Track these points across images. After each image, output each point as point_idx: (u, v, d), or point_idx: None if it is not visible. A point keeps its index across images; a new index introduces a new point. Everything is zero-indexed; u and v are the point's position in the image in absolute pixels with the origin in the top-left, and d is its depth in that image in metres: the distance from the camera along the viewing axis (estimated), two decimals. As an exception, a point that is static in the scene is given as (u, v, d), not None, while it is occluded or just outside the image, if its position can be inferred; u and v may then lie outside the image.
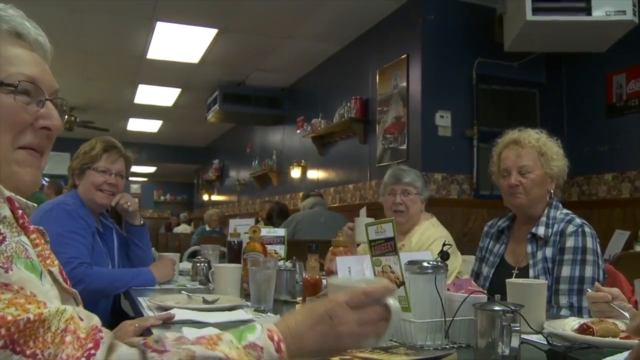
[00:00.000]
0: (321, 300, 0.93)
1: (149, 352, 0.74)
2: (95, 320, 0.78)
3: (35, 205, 0.96)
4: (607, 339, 1.30)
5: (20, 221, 0.87)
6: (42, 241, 0.92)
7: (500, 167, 2.18)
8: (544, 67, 5.20)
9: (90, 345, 0.72)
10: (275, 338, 0.85)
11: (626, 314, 1.45)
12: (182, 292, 2.03)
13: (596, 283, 1.61)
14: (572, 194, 4.94)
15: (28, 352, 0.68)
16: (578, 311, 1.90)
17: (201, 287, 2.38)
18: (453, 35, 4.91)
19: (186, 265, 2.98)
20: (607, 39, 4.24)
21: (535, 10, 4.03)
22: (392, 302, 0.91)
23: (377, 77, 5.50)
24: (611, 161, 4.63)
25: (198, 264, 2.59)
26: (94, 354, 0.71)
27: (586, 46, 4.43)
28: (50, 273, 0.87)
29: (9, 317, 0.68)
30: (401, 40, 5.15)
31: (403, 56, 5.06)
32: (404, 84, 5.03)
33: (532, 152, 2.09)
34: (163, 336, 0.78)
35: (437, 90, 4.85)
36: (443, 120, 4.83)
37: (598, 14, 3.95)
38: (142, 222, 2.65)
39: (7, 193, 0.87)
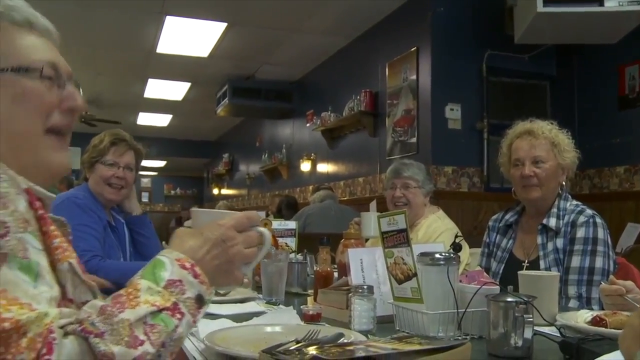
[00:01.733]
0: (208, 226, 0.94)
1: (91, 338, 0.73)
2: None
3: (54, 195, 0.96)
4: (620, 331, 1.29)
5: (40, 212, 0.87)
6: (61, 232, 0.92)
7: (511, 157, 2.16)
8: (555, 59, 5.16)
9: (44, 351, 0.70)
10: (188, 265, 0.86)
11: (640, 307, 1.44)
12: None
13: (611, 276, 1.60)
14: (584, 187, 4.91)
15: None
16: (587, 302, 1.89)
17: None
18: (463, 28, 4.88)
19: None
20: (620, 30, 4.19)
21: (546, 2, 3.99)
22: (263, 229, 0.99)
23: (387, 70, 5.48)
24: (623, 154, 4.59)
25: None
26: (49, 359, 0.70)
27: (598, 38, 4.38)
28: (70, 265, 0.88)
29: None
30: (411, 32, 5.13)
31: (413, 49, 5.04)
32: (414, 77, 5.01)
33: (546, 143, 2.08)
34: (87, 315, 0.76)
35: (447, 83, 4.83)
36: (453, 113, 4.81)
37: (610, 4, 3.91)
38: (141, 212, 2.59)
39: (25, 184, 0.86)
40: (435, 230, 2.79)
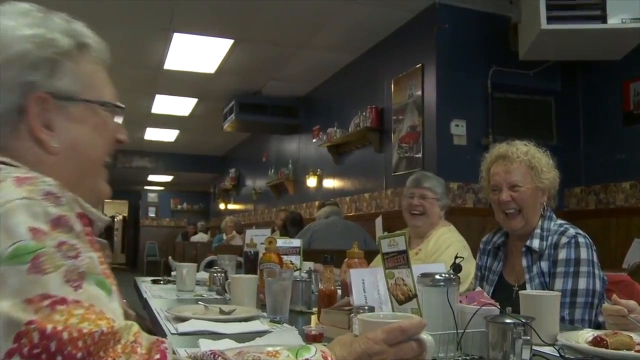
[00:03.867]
0: (359, 337, 0.95)
1: (219, 358, 0.79)
2: (153, 337, 0.80)
3: (109, 219, 1.00)
4: (621, 351, 1.30)
5: (89, 237, 0.87)
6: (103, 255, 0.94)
7: (490, 182, 2.15)
8: (560, 75, 5.18)
9: (157, 356, 0.74)
10: (329, 359, 0.89)
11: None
12: (199, 302, 2.06)
13: (614, 296, 1.59)
14: (590, 203, 4.90)
15: None
16: (570, 324, 1.86)
17: (218, 297, 2.41)
18: (468, 44, 4.92)
19: (203, 275, 3.02)
20: (623, 47, 4.21)
21: (550, 19, 4.02)
22: (426, 337, 0.95)
23: (392, 86, 5.52)
24: (629, 169, 4.58)
25: (215, 274, 2.62)
26: None
27: (602, 54, 4.41)
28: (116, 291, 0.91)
29: (85, 330, 0.70)
30: (416, 49, 5.17)
31: (418, 65, 5.08)
32: (419, 93, 5.04)
33: (521, 167, 2.05)
34: (222, 351, 0.82)
35: (452, 99, 4.85)
36: (458, 129, 4.83)
37: (614, 21, 3.94)
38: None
39: (78, 209, 0.87)
40: (445, 241, 2.85)
